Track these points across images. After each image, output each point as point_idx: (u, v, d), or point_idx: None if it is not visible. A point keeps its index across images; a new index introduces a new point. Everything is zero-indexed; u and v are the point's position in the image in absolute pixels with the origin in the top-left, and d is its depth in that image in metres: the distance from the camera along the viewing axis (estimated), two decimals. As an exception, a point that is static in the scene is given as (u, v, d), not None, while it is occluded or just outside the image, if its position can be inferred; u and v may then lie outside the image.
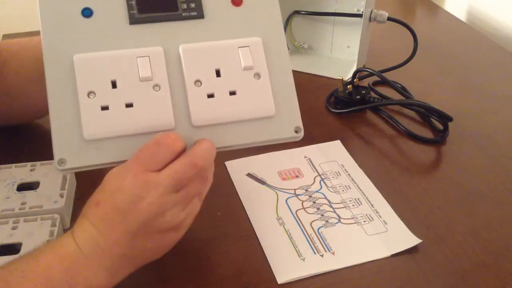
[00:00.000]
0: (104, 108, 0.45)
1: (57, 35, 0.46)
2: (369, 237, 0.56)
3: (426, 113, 0.74)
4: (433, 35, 1.01)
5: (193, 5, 0.49)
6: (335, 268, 0.52)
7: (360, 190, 0.62)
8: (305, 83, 0.85)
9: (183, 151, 0.44)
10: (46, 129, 0.68)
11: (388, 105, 0.77)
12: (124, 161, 0.44)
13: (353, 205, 0.60)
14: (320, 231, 0.57)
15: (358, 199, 0.61)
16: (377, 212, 0.59)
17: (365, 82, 0.81)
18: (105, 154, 0.45)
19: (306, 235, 0.56)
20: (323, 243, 0.55)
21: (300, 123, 0.49)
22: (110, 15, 0.47)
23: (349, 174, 0.65)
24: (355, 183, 0.63)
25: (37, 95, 0.61)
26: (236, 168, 0.66)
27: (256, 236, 0.56)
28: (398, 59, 0.83)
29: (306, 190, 0.62)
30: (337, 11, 0.87)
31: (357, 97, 0.76)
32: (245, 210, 0.59)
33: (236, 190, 0.62)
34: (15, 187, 0.59)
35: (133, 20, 0.48)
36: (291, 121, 0.49)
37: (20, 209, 0.56)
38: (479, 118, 0.76)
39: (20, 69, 0.63)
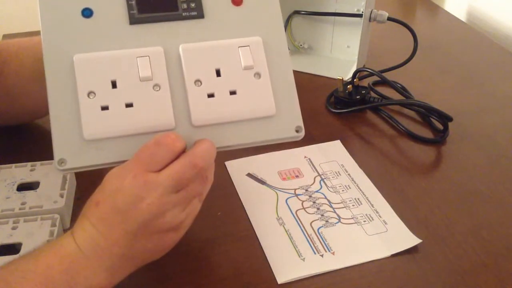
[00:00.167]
0: (104, 108, 0.45)
1: (57, 35, 0.46)
2: (369, 237, 0.56)
3: (426, 113, 0.74)
4: (433, 35, 1.01)
5: (193, 5, 0.49)
6: (335, 268, 0.52)
7: (360, 190, 0.62)
8: (305, 83, 0.85)
9: (183, 151, 0.44)
10: (46, 129, 0.68)
11: (388, 105, 0.77)
12: (124, 161, 0.44)
13: (353, 205, 0.60)
14: (320, 231, 0.57)
15: (358, 199, 0.61)
16: (377, 212, 0.59)
17: (365, 82, 0.81)
18: (105, 154, 0.45)
19: (306, 235, 0.56)
20: (323, 243, 0.55)
21: (301, 123, 0.49)
22: (110, 15, 0.47)
23: (349, 174, 0.65)
24: (355, 183, 0.63)
25: (37, 95, 0.61)
26: (236, 168, 0.66)
27: (256, 236, 0.56)
28: (398, 59, 0.83)
29: (306, 190, 0.62)
30: (337, 11, 0.87)
31: (357, 97, 0.76)
32: (245, 210, 0.59)
33: (236, 190, 0.62)
34: (15, 187, 0.59)
35: (133, 20, 0.48)
36: (292, 121, 0.49)
37: (20, 209, 0.56)
38: (479, 118, 0.76)
39: (20, 69, 0.63)
